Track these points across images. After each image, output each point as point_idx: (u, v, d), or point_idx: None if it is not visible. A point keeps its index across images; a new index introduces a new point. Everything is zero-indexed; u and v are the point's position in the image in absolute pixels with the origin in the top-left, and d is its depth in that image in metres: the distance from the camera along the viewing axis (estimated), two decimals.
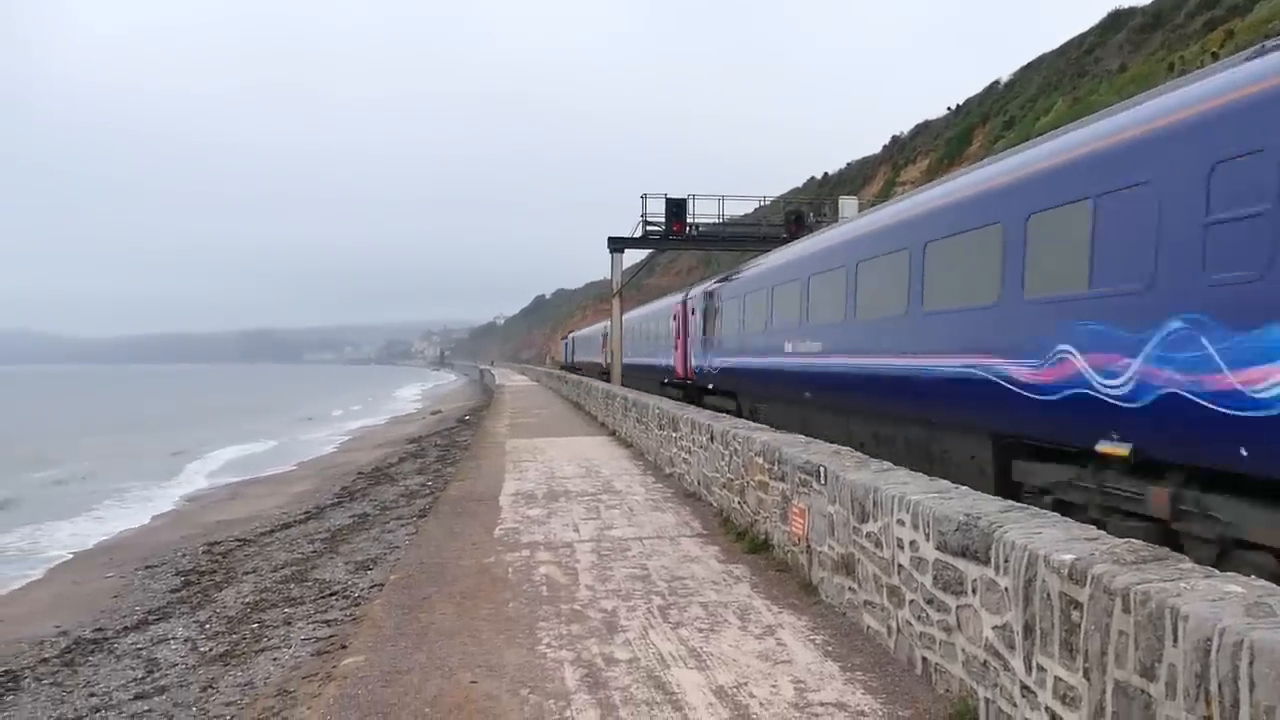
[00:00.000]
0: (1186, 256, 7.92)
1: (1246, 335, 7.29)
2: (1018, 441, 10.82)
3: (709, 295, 27.24)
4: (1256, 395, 7.17)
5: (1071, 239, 9.59)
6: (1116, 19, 52.13)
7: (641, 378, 36.25)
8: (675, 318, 32.08)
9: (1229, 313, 7.45)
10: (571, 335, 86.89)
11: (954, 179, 13.39)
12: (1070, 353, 9.51)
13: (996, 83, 65.09)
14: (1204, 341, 7.72)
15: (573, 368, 68.81)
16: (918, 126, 74.79)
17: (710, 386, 26.36)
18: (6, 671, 10.56)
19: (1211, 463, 7.79)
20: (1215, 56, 30.57)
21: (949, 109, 70.13)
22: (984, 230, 11.43)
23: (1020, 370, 10.43)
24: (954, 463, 12.20)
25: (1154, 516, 8.48)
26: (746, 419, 17.51)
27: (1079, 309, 9.39)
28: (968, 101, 67.40)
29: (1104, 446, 8.96)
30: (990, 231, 11.25)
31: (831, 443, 10.46)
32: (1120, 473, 8.96)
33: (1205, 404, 7.67)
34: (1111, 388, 8.88)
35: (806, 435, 11.88)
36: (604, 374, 44.12)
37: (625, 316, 42.69)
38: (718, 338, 25.67)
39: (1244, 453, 7.33)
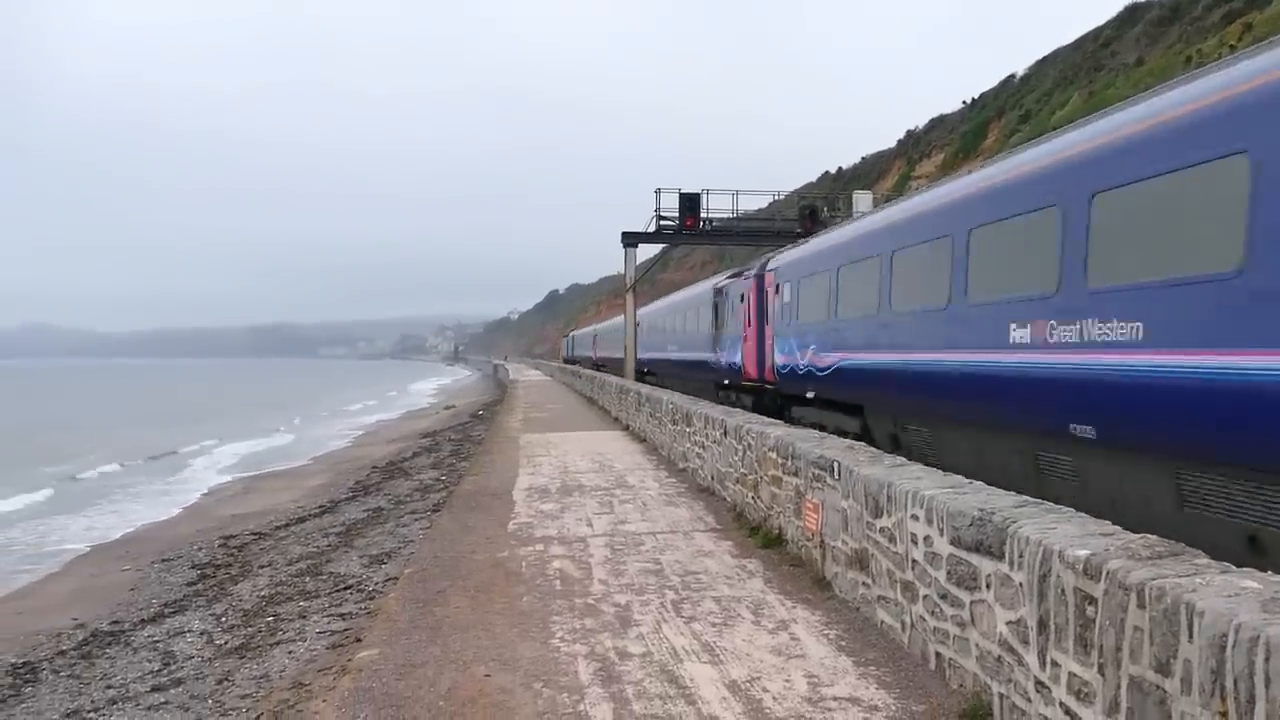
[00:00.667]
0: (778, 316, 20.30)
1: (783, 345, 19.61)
2: (720, 383, 26.39)
3: (645, 316, 44.46)
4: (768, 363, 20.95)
5: (706, 315, 28.90)
6: (1133, 12, 51.82)
7: (615, 368, 49.58)
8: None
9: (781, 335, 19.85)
10: (571, 335, 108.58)
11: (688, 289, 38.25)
12: (721, 349, 26.08)
13: (1012, 77, 64.82)
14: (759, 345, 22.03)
15: (572, 361, 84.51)
16: (933, 121, 74.53)
17: (646, 370, 41.20)
18: (25, 664, 10.65)
19: (738, 382, 24.48)
20: (1233, 49, 30.31)
21: (964, 103, 69.92)
22: (694, 305, 30.94)
23: (711, 358, 27.40)
24: (705, 394, 24.93)
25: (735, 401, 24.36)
26: (654, 383, 33.92)
27: (710, 338, 27.91)
28: (983, 96, 67.14)
29: (724, 383, 25.96)
30: (694, 307, 30.80)
31: (669, 389, 25.13)
32: (729, 389, 25.44)
33: (738, 364, 24.13)
34: (725, 363, 25.59)
35: (666, 388, 26.09)
36: (595, 365, 61.16)
37: (606, 325, 65.74)
38: (651, 341, 41.24)
39: (724, 379, 26.12)
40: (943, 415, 12.38)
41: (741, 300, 23.91)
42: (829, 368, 16.44)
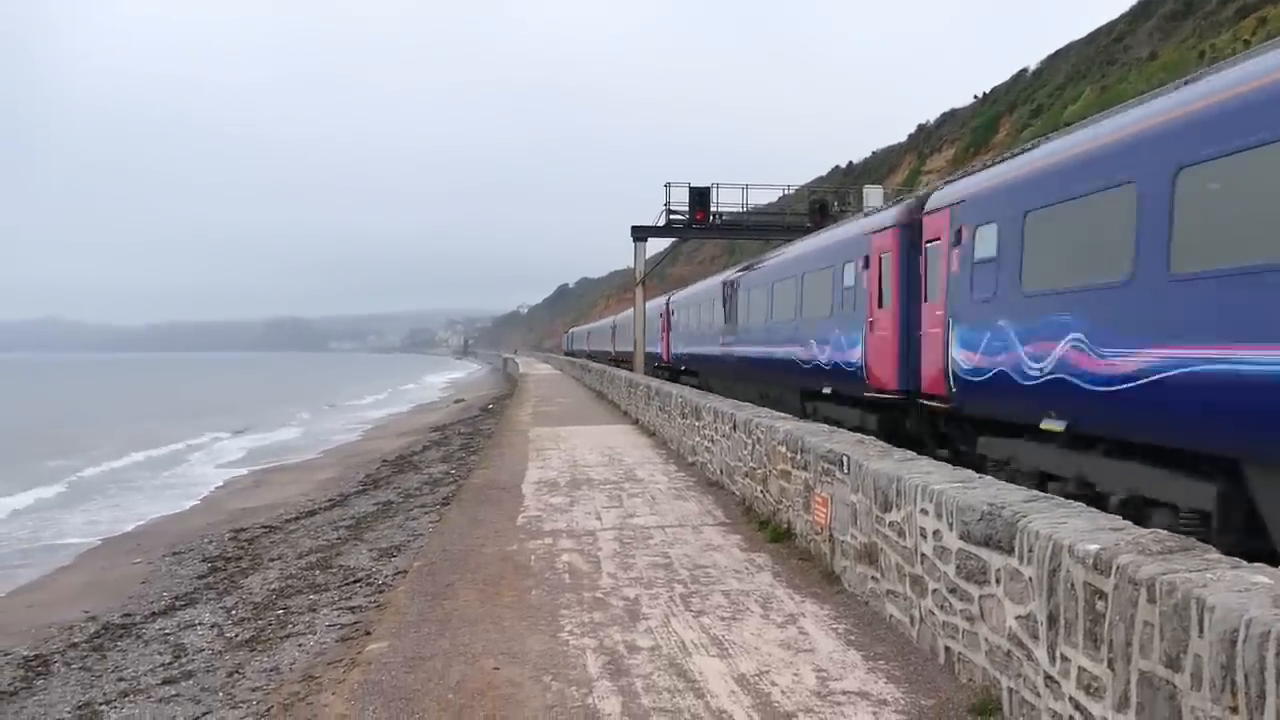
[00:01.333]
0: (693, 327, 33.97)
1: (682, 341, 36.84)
2: (661, 364, 40.78)
3: (615, 321, 64.30)
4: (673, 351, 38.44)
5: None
6: (1147, 6, 51.48)
7: (599, 356, 66.75)
8: (612, 328, 65.02)
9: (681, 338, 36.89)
10: (570, 332, 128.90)
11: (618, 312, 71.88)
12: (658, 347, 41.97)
13: (1024, 71, 64.52)
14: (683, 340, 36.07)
15: (571, 353, 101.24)
16: (944, 115, 74.26)
17: (618, 359, 53.14)
18: (37, 656, 10.72)
19: (662, 364, 41.32)
20: (1247, 44, 30.12)
21: (976, 97, 69.60)
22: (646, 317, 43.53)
23: (655, 350, 42.28)
24: (652, 371, 38.30)
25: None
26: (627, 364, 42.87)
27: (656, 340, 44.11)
28: (995, 90, 66.84)
29: (656, 364, 41.10)
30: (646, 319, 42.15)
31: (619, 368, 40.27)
32: (658, 368, 40.35)
33: (659, 353, 41.55)
34: (660, 353, 41.67)
35: (617, 369, 39.58)
36: (588, 355, 76.47)
37: (596, 325, 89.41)
38: (619, 338, 56.15)
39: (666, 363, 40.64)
40: (715, 372, 29.63)
41: (660, 316, 41.56)
42: (687, 354, 34.73)
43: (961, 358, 12.18)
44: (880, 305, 15.25)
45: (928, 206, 14.00)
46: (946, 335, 12.68)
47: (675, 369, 37.68)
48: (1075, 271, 9.58)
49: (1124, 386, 8.54)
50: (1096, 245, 9.23)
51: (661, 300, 43.20)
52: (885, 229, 15.33)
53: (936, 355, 13.06)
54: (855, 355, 16.15)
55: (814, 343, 18.24)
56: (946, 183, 14.88)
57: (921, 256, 14.05)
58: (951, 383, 12.40)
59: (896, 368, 14.59)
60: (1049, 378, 9.85)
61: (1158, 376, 8.05)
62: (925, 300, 13.78)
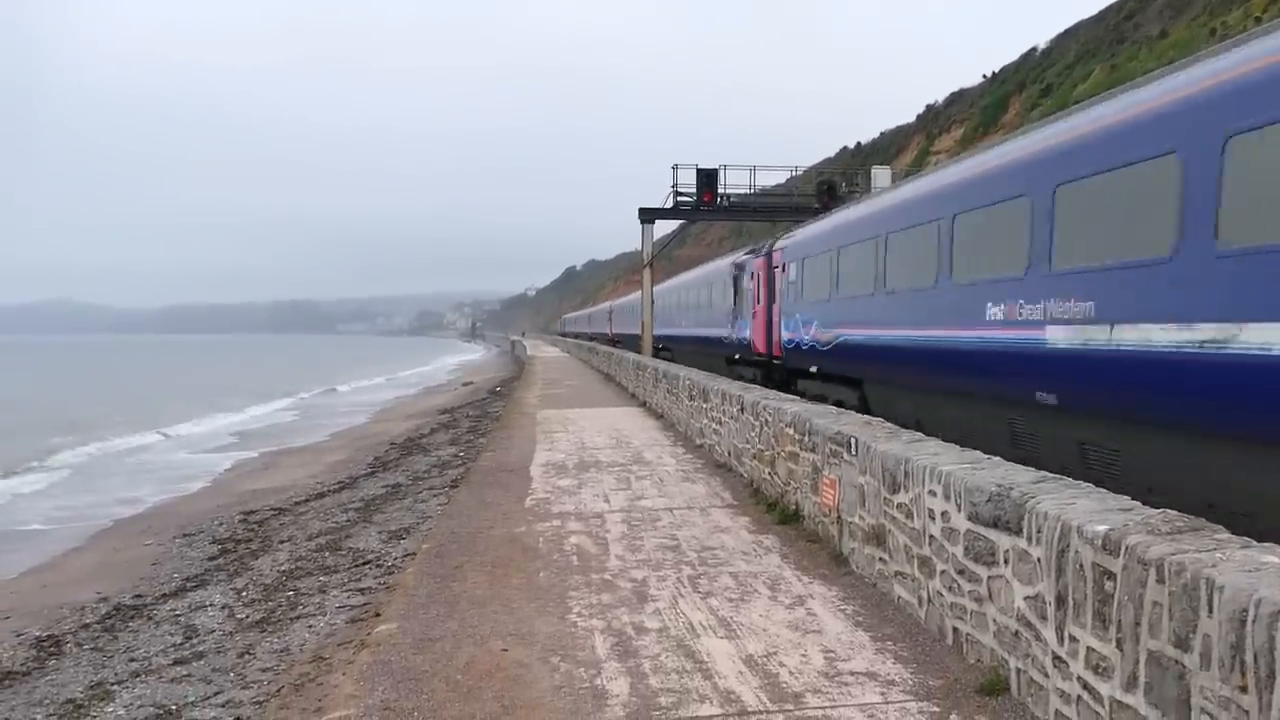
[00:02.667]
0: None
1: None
2: (665, 345, 41.03)
3: (590, 312, 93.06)
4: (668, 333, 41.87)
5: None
6: None
7: (584, 335, 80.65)
8: (589, 318, 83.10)
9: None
10: (563, 317, 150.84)
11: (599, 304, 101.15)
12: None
13: (1033, 50, 64.04)
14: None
15: (563, 334, 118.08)
16: (952, 95, 73.79)
17: (593, 337, 61.41)
18: (49, 636, 10.78)
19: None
20: (1258, 20, 29.85)
21: (984, 77, 69.11)
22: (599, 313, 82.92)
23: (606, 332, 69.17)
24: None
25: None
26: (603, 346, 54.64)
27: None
28: (1004, 69, 66.35)
29: (658, 347, 40.41)
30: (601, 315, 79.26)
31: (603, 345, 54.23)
32: (660, 350, 40.83)
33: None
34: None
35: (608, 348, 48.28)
36: (575, 336, 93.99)
37: (583, 313, 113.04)
38: (594, 322, 74.17)
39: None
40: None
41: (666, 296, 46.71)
42: (661, 335, 39.56)
43: (785, 335, 20.57)
44: (758, 303, 23.70)
45: (774, 248, 22.39)
46: (779, 322, 21.11)
47: (661, 349, 39.62)
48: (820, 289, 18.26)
49: (829, 348, 17.17)
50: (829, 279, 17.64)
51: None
52: (760, 258, 23.91)
53: (777, 334, 21.32)
54: (746, 333, 24.99)
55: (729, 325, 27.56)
56: (782, 235, 22.76)
57: (775, 274, 21.81)
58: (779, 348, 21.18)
59: (764, 341, 22.96)
60: (810, 343, 18.37)
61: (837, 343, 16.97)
62: (774, 302, 21.94)
